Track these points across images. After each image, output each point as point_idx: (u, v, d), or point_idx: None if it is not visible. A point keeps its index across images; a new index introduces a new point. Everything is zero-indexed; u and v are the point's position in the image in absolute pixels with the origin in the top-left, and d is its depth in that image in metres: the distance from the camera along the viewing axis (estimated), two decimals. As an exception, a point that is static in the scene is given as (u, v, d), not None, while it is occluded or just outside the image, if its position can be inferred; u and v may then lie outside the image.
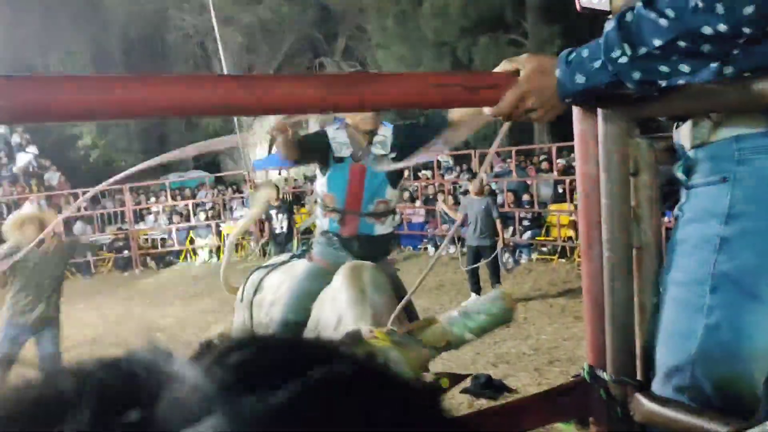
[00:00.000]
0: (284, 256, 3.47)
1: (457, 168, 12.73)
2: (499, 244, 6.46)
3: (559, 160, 10.78)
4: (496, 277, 6.62)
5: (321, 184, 2.91)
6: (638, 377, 1.25)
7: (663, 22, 0.95)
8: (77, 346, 5.55)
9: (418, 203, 11.57)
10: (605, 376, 1.25)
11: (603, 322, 1.25)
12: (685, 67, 1.00)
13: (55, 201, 13.97)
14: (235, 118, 13.47)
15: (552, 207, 9.75)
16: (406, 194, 11.83)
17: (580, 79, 1.07)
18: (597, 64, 1.04)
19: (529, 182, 10.51)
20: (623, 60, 1.01)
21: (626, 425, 1.23)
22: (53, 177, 16.05)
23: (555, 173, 10.55)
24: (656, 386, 1.21)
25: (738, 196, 1.07)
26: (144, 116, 0.89)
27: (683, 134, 1.20)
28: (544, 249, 9.21)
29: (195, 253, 12.07)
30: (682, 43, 0.96)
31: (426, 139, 2.22)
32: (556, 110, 1.16)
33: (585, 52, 1.06)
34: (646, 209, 1.27)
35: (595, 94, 1.11)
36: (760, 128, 1.05)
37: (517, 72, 1.14)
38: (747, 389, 1.11)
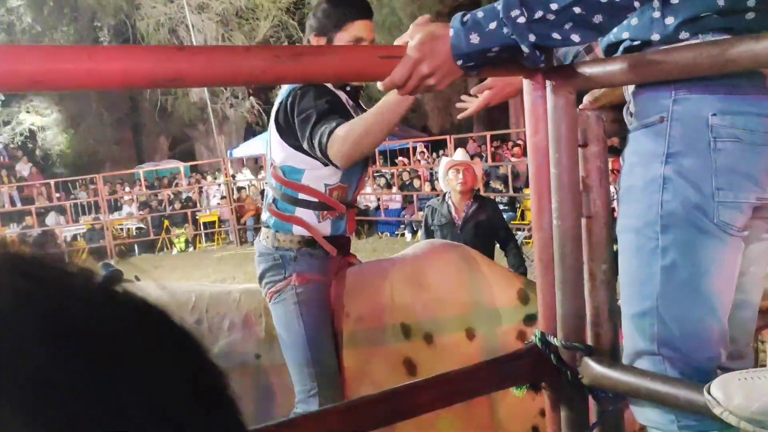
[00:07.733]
0: None
1: (433, 154, 12.77)
2: None
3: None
4: None
5: (325, 176, 2.00)
6: (588, 342, 1.28)
7: None
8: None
9: (394, 189, 11.59)
10: (556, 341, 1.28)
11: (554, 289, 1.28)
12: (576, 37, 1.03)
13: (27, 192, 13.76)
14: (210, 106, 13.41)
15: (527, 191, 9.84)
16: (383, 180, 11.83)
17: (474, 39, 1.05)
18: (493, 25, 1.04)
19: (503, 166, 10.58)
20: (521, 20, 1.02)
21: (576, 389, 1.26)
22: (24, 168, 15.79)
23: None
24: (626, 342, 1.22)
25: (675, 136, 1.09)
26: (80, 87, 0.89)
27: None
28: (520, 233, 9.30)
29: (171, 243, 11.98)
30: (576, 9, 0.99)
31: None
32: (452, 75, 1.11)
33: (480, 14, 1.06)
34: (595, 179, 1.30)
35: (489, 59, 1.08)
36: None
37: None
38: (715, 328, 1.11)
